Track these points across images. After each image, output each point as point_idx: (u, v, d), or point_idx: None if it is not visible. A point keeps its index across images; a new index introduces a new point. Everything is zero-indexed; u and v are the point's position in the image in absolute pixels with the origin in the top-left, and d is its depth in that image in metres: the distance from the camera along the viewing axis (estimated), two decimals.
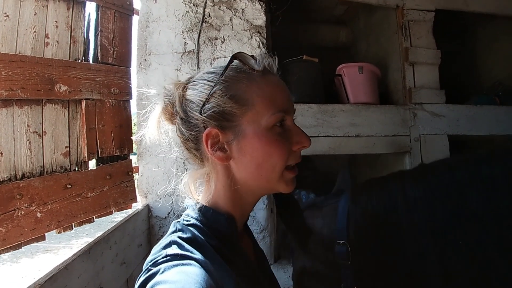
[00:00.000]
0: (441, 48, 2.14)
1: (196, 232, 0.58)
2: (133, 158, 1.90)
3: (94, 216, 1.54)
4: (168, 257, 0.52)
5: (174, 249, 0.54)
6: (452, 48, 2.45)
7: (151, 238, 1.79)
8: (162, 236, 1.79)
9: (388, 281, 0.93)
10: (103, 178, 1.60)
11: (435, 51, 2.12)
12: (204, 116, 0.61)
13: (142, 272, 0.53)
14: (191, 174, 0.72)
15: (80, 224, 1.47)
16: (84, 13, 1.53)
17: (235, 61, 0.62)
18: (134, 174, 1.82)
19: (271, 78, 0.63)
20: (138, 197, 1.82)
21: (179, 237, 0.57)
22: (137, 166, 1.84)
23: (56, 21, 1.41)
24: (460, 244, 0.83)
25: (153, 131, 0.71)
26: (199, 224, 0.60)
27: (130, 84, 1.78)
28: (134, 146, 1.87)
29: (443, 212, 0.86)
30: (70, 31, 1.46)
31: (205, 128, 0.61)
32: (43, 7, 1.35)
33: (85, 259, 1.13)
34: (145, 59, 1.84)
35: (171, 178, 1.86)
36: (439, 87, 2.12)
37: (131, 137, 1.81)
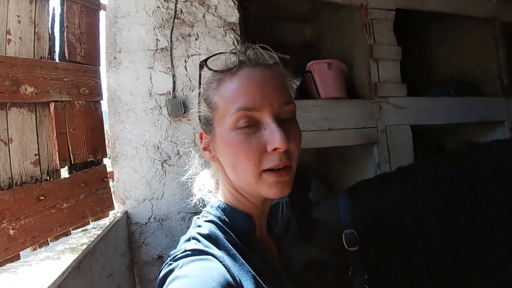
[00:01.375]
0: (400, 44, 2.30)
1: (214, 228, 0.60)
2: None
3: (70, 229, 1.41)
4: (187, 252, 0.53)
5: (192, 245, 0.55)
6: (409, 44, 2.64)
7: (132, 246, 1.70)
8: (144, 242, 1.73)
9: (389, 266, 1.04)
10: (78, 187, 1.47)
11: (396, 47, 2.27)
12: (198, 119, 0.68)
13: (162, 266, 0.54)
14: (207, 171, 0.76)
15: (57, 238, 1.34)
16: (48, 7, 1.38)
17: (211, 65, 0.64)
18: (109, 180, 1.70)
19: (243, 73, 0.60)
20: (115, 204, 1.71)
21: (198, 233, 0.58)
22: (112, 171, 1.73)
23: (18, 16, 1.26)
24: (438, 233, 1.01)
25: None
26: (217, 220, 0.62)
27: (100, 84, 1.66)
28: (108, 150, 1.75)
29: (423, 206, 1.04)
30: (33, 26, 1.31)
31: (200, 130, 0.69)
32: (4, 0, 1.20)
33: (76, 276, 1.04)
34: (115, 57, 1.73)
35: (150, 181, 1.78)
36: (401, 81, 2.27)
37: (104, 141, 1.69)
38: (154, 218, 1.75)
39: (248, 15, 2.12)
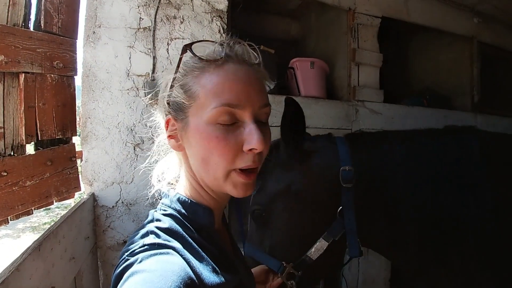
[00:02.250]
0: (382, 51, 2.35)
1: (173, 222, 0.58)
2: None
3: (33, 208, 1.35)
4: (146, 247, 0.52)
5: (151, 239, 0.54)
6: (390, 52, 2.70)
7: (97, 230, 1.65)
8: (109, 226, 1.68)
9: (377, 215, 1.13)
10: (43, 164, 1.40)
11: (378, 54, 2.32)
12: (167, 105, 0.63)
13: (119, 263, 0.52)
14: (166, 160, 0.72)
15: (17, 217, 1.28)
16: None
17: (196, 50, 0.61)
18: (77, 160, 1.64)
19: (229, 68, 0.59)
20: (82, 185, 1.65)
21: (156, 227, 0.56)
22: (81, 151, 1.66)
23: None
24: (428, 199, 1.09)
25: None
26: (176, 214, 0.61)
27: (76, 59, 1.58)
28: (78, 129, 1.68)
29: (419, 170, 1.11)
30: None
31: (167, 116, 0.64)
32: None
33: (36, 257, 1.00)
34: (94, 32, 1.65)
35: (120, 164, 1.73)
36: (379, 87, 2.33)
37: (75, 119, 1.62)
38: (122, 202, 1.71)
39: (237, 4, 2.08)
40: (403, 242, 1.12)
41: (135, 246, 0.53)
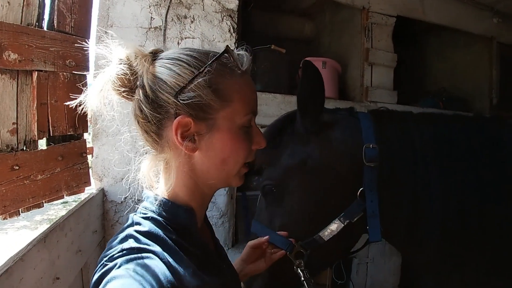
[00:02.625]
0: (396, 51, 2.30)
1: (153, 225, 0.57)
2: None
3: (43, 201, 1.40)
4: (124, 251, 0.51)
5: (130, 243, 0.53)
6: (405, 53, 2.64)
7: (106, 224, 1.70)
8: (118, 221, 1.72)
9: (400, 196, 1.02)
10: (55, 159, 1.45)
11: (392, 54, 2.27)
12: (180, 102, 0.56)
13: (97, 267, 0.51)
14: (150, 161, 0.67)
15: (28, 209, 1.33)
16: None
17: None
18: (88, 156, 1.69)
19: (247, 79, 0.65)
20: (92, 181, 1.70)
21: (136, 231, 0.56)
22: (92, 147, 1.71)
23: None
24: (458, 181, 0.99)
25: (94, 100, 0.63)
26: (156, 217, 0.59)
27: (88, 57, 1.62)
28: (89, 126, 1.73)
29: (446, 155, 1.01)
30: None
31: (176, 114, 0.57)
32: None
33: (41, 248, 1.04)
34: (106, 31, 1.69)
35: (130, 161, 1.76)
36: (393, 88, 2.28)
37: (86, 116, 1.66)
38: (131, 197, 1.74)
39: (248, 3, 2.08)
40: (424, 233, 1.02)
41: (113, 251, 0.52)
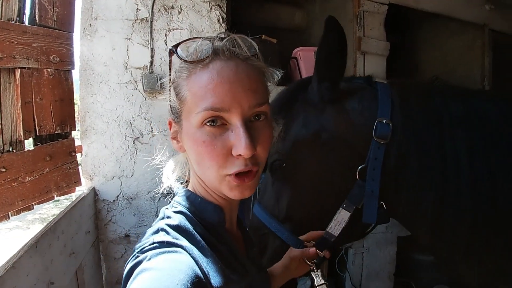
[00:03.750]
0: (389, 39, 2.27)
1: (183, 219, 0.58)
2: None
3: (33, 203, 1.35)
4: (155, 244, 0.52)
5: (161, 236, 0.54)
6: (396, 40, 2.62)
7: (99, 224, 1.66)
8: (111, 220, 1.69)
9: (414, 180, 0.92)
10: (43, 160, 1.41)
11: (385, 43, 2.24)
12: (169, 106, 0.63)
13: (130, 258, 0.53)
14: (176, 158, 0.71)
15: (18, 212, 1.29)
16: None
17: (183, 50, 0.59)
18: (77, 155, 1.64)
19: (215, 67, 0.55)
20: (82, 180, 1.66)
21: (167, 224, 0.56)
22: (81, 146, 1.66)
23: None
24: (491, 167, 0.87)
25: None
26: (186, 211, 0.60)
27: (73, 52, 1.56)
28: (77, 123, 1.67)
29: (480, 134, 0.89)
30: None
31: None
32: None
33: (33, 254, 1.01)
34: (91, 24, 1.63)
35: (120, 158, 1.72)
36: (385, 77, 2.26)
37: (74, 113, 1.61)
38: (123, 196, 1.71)
39: None
40: (453, 219, 0.90)
41: (145, 244, 0.53)
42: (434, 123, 0.90)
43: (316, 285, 0.91)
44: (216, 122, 0.54)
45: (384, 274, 2.29)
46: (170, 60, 0.62)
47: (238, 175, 0.55)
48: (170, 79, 0.62)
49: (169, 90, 0.62)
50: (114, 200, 1.70)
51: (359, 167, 0.90)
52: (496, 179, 0.86)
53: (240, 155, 0.53)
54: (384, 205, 0.94)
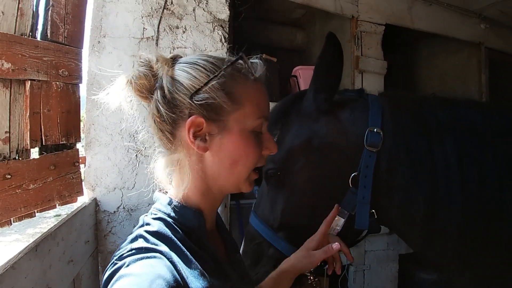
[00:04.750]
0: (386, 58, 2.34)
1: (162, 225, 0.59)
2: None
3: (35, 210, 1.38)
4: (133, 251, 0.53)
5: (140, 243, 0.55)
6: (395, 59, 2.69)
7: (99, 234, 1.68)
8: (111, 231, 1.70)
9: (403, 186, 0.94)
10: (47, 169, 1.45)
11: (382, 61, 2.31)
12: (194, 103, 0.60)
13: (108, 266, 0.53)
14: (163, 161, 0.67)
15: (20, 219, 1.31)
16: None
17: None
18: (80, 165, 1.68)
19: (260, 85, 0.67)
20: (85, 190, 1.69)
21: (146, 231, 0.58)
22: (84, 157, 1.70)
23: None
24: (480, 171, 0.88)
25: (114, 99, 0.66)
26: (166, 217, 0.61)
27: (81, 67, 1.63)
28: (82, 135, 1.72)
29: (468, 139, 0.92)
30: (18, 2, 1.27)
31: (190, 114, 0.60)
32: None
33: (32, 257, 1.02)
34: (99, 41, 1.71)
35: (122, 170, 1.76)
36: None
37: (79, 125, 1.66)
38: (124, 207, 1.73)
39: (239, 14, 2.12)
40: (443, 225, 0.92)
41: (123, 251, 0.54)
42: (423, 130, 0.93)
43: None
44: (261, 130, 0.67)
45: None
46: (234, 62, 0.63)
47: (255, 169, 0.67)
48: (213, 79, 0.60)
49: (211, 87, 0.60)
50: (114, 211, 1.72)
51: (352, 175, 0.94)
52: (486, 182, 0.88)
53: (269, 153, 0.69)
54: (376, 213, 0.96)
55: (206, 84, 0.59)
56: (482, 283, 0.93)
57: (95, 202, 1.67)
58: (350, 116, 0.99)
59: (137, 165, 1.76)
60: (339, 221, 0.96)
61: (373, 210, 0.96)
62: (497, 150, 0.90)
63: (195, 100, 0.59)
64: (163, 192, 0.68)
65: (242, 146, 0.63)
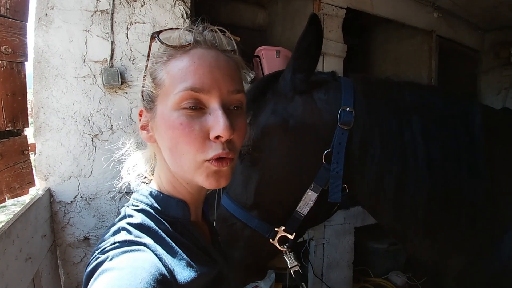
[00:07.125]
0: (346, 42, 2.39)
1: (145, 217, 0.58)
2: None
3: None
4: (116, 244, 0.51)
5: (123, 236, 0.53)
6: (352, 43, 2.76)
7: (55, 227, 1.57)
8: (68, 223, 1.60)
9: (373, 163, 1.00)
10: None
11: (342, 45, 2.35)
12: (141, 95, 0.63)
13: (90, 260, 0.51)
14: (141, 153, 0.70)
15: None
16: None
17: (163, 37, 0.61)
18: (30, 153, 1.52)
19: (196, 52, 0.57)
20: (37, 180, 1.55)
21: (128, 223, 0.56)
22: (34, 144, 1.55)
23: None
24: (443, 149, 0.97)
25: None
26: (148, 209, 0.60)
27: (27, 43, 1.45)
28: (30, 120, 1.56)
29: (431, 119, 1.00)
30: None
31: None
32: None
33: None
34: (47, 14, 1.52)
35: (77, 157, 1.63)
36: None
37: (27, 108, 1.50)
38: (81, 197, 1.63)
39: None
40: (411, 197, 0.99)
41: (106, 244, 0.52)
42: (392, 109, 1.01)
43: (289, 267, 0.97)
44: (196, 107, 0.55)
45: (344, 263, 2.42)
46: (150, 46, 0.62)
47: (217, 159, 0.55)
48: (146, 66, 0.62)
49: (144, 76, 0.62)
50: (71, 201, 1.61)
51: (325, 152, 0.99)
52: (447, 159, 0.97)
53: (217, 138, 0.54)
54: (348, 187, 1.04)
55: (144, 77, 0.62)
56: (440, 250, 1.04)
57: (49, 193, 1.54)
58: (324, 96, 1.03)
59: (94, 150, 1.64)
60: (312, 196, 1.00)
61: (345, 185, 1.03)
62: (456, 131, 0.99)
63: (141, 92, 0.63)
64: (142, 182, 0.68)
65: (166, 130, 0.56)
